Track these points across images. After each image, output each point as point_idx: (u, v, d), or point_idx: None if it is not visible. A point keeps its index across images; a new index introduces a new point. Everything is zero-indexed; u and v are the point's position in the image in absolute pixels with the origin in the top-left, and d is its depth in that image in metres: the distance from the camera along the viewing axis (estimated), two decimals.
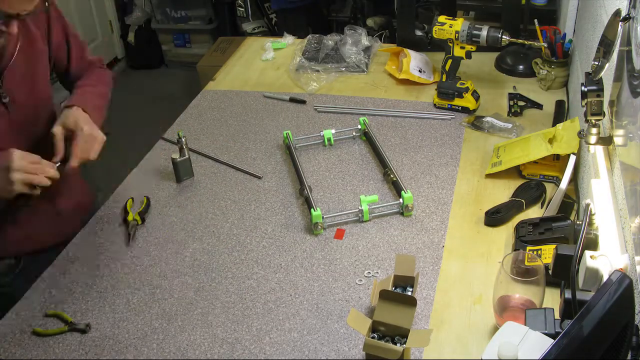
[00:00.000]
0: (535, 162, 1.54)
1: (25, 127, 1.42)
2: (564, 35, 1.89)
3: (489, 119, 1.79)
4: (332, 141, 1.76)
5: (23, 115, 1.41)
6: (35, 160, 1.30)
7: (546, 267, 1.13)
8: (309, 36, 2.33)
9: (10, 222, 1.46)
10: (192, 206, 1.57)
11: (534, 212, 1.46)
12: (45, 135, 1.41)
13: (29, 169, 1.28)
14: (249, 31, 4.05)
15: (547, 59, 1.90)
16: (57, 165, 1.35)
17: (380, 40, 2.31)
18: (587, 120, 1.19)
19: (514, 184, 1.54)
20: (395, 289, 1.24)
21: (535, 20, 1.92)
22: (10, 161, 1.26)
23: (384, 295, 1.14)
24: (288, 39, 2.37)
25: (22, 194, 1.29)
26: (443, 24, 1.82)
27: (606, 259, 0.99)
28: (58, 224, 1.54)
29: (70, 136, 1.38)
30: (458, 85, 1.84)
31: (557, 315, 1.01)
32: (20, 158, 1.27)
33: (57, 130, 1.38)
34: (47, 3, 1.28)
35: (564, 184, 1.40)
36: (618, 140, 1.17)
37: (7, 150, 1.28)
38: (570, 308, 0.96)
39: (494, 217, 1.43)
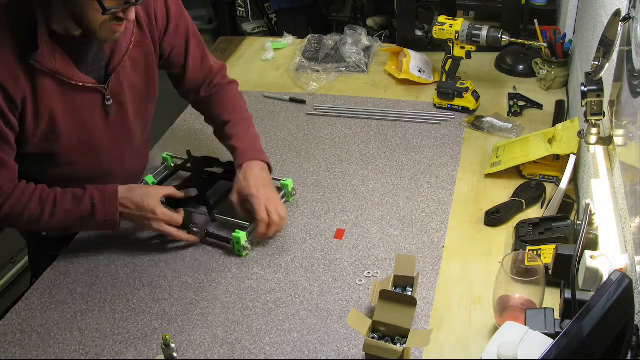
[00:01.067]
0: (535, 162, 1.54)
1: (122, 127, 1.42)
2: (564, 35, 1.89)
3: (489, 119, 1.79)
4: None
5: (122, 117, 1.41)
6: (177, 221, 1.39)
7: (546, 267, 1.13)
8: (309, 36, 2.33)
9: None
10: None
11: (534, 212, 1.46)
12: (140, 132, 1.49)
13: (167, 220, 1.37)
14: (249, 31, 4.05)
15: (547, 59, 1.90)
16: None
17: (380, 40, 2.31)
18: (587, 120, 1.19)
19: (514, 184, 1.54)
20: (395, 289, 1.24)
21: (535, 21, 1.92)
22: (153, 212, 1.35)
23: (384, 295, 1.14)
24: (288, 39, 2.36)
25: None
26: (443, 24, 1.82)
27: (606, 259, 0.99)
28: None
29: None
30: (458, 85, 1.84)
31: (557, 315, 1.02)
32: (162, 214, 1.36)
33: (235, 198, 1.43)
34: None
35: (564, 184, 1.40)
36: (618, 140, 1.17)
37: (147, 188, 1.39)
38: (570, 308, 0.96)
39: (494, 217, 1.43)
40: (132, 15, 1.21)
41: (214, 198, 1.51)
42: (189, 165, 1.64)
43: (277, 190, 1.48)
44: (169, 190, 1.43)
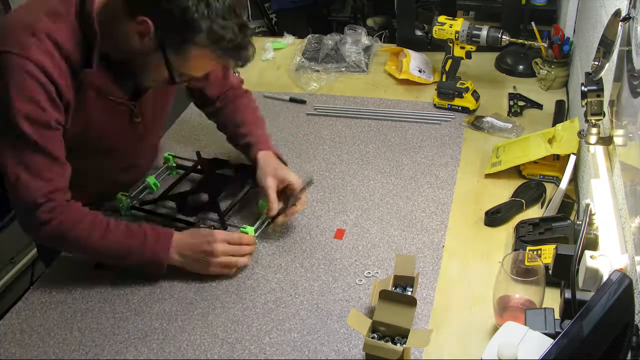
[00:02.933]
0: (535, 162, 1.54)
1: (144, 139, 1.50)
2: (567, 39, 1.89)
3: (489, 119, 1.79)
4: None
5: (147, 131, 1.47)
6: (236, 241, 1.34)
7: (546, 267, 1.13)
8: (309, 36, 2.33)
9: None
10: None
11: (534, 212, 1.46)
12: (156, 141, 1.62)
13: (231, 252, 1.33)
14: None
15: (548, 59, 1.89)
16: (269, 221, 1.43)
17: (380, 40, 2.31)
18: (587, 120, 1.19)
19: (514, 184, 1.54)
20: (395, 289, 1.24)
21: (532, 23, 1.92)
22: (213, 244, 1.31)
23: (384, 295, 1.14)
24: (288, 39, 2.37)
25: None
26: (443, 24, 1.82)
27: (606, 259, 0.99)
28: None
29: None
30: (458, 85, 1.84)
31: (557, 315, 1.02)
32: (223, 241, 1.32)
33: (271, 182, 1.43)
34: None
35: (564, 184, 1.40)
36: (618, 140, 1.17)
37: (209, 233, 1.33)
38: (570, 308, 0.96)
39: (494, 217, 1.43)
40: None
41: (224, 203, 1.51)
42: (199, 167, 1.63)
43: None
44: (230, 236, 1.36)
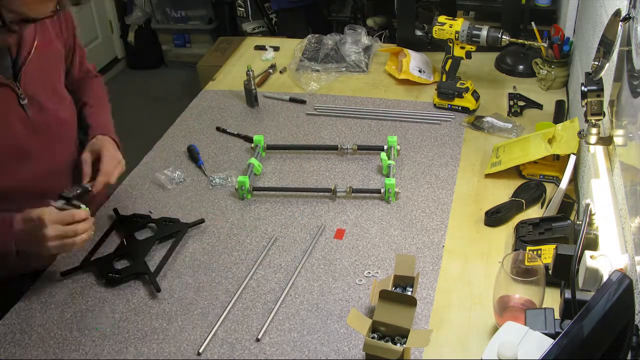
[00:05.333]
0: (535, 162, 1.54)
1: (47, 129, 1.39)
2: (567, 39, 1.89)
3: (489, 119, 1.79)
4: None
5: (43, 117, 1.37)
6: (68, 220, 1.24)
7: (546, 267, 1.13)
8: (309, 36, 2.33)
9: None
10: (192, 206, 1.57)
11: (534, 212, 1.46)
12: (68, 140, 1.47)
13: (63, 234, 1.23)
14: (249, 31, 4.05)
15: (548, 59, 1.89)
16: (89, 191, 1.36)
17: (380, 40, 2.31)
18: (587, 120, 1.19)
19: (514, 184, 1.54)
20: (395, 289, 1.24)
21: (533, 23, 1.92)
22: (43, 229, 1.20)
23: (384, 295, 1.14)
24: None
25: None
26: (443, 24, 1.82)
27: (606, 259, 0.99)
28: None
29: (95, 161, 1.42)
30: (458, 85, 1.84)
31: (557, 315, 1.01)
32: (53, 223, 1.21)
33: (87, 156, 1.42)
34: (59, 6, 1.23)
35: (564, 184, 1.40)
36: (618, 140, 1.17)
37: (38, 212, 1.22)
38: (570, 308, 0.96)
39: (494, 217, 1.43)
40: (27, 28, 1.23)
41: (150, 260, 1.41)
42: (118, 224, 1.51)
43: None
44: (62, 216, 1.24)
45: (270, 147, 1.75)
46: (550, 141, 1.56)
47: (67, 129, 1.48)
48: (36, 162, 1.37)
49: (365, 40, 2.22)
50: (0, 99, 1.28)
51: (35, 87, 1.35)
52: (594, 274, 0.99)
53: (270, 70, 2.16)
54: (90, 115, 1.56)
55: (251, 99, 1.96)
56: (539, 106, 1.85)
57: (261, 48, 2.35)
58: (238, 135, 1.82)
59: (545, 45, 1.84)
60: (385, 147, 1.69)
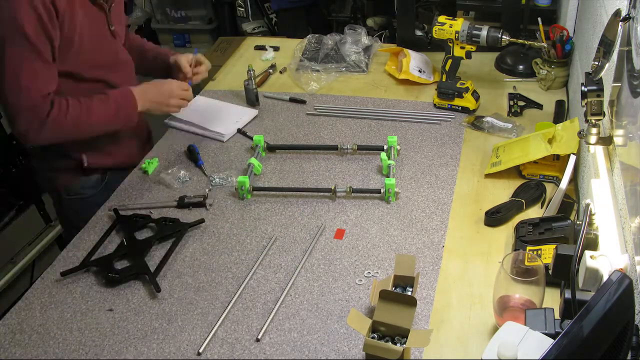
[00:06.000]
0: (535, 162, 1.54)
1: (125, 57, 1.74)
2: (570, 38, 1.89)
3: (489, 119, 1.79)
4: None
5: (121, 47, 1.73)
6: (185, 87, 1.71)
7: (546, 267, 1.13)
8: (309, 36, 2.33)
9: (114, 143, 1.72)
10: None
11: (534, 212, 1.46)
12: (130, 78, 1.78)
13: (183, 95, 1.70)
14: (249, 31, 4.05)
15: (549, 59, 1.89)
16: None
17: (380, 40, 2.31)
18: (587, 120, 1.19)
19: (514, 184, 1.54)
20: (395, 289, 1.24)
21: (539, 21, 1.92)
22: (171, 89, 1.69)
23: (384, 295, 1.14)
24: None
25: None
26: (443, 24, 1.82)
27: (606, 259, 0.99)
28: (139, 147, 1.83)
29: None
30: (458, 85, 1.84)
31: (557, 315, 1.01)
32: (178, 87, 1.70)
33: (185, 59, 1.79)
34: None
35: (564, 184, 1.40)
36: (618, 140, 1.17)
37: (165, 80, 1.72)
38: (570, 308, 0.96)
39: (494, 217, 1.43)
40: None
41: (151, 259, 1.41)
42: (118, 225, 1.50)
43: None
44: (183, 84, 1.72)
45: (270, 147, 1.75)
46: (550, 141, 1.56)
47: (130, 67, 1.78)
48: (106, 75, 1.66)
49: (365, 40, 2.22)
50: (99, 19, 1.61)
51: (116, 24, 1.66)
52: (594, 274, 0.99)
53: (270, 70, 2.16)
54: (156, 48, 1.92)
55: (252, 98, 1.96)
56: (539, 106, 1.85)
57: (261, 48, 2.35)
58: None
59: (546, 45, 1.84)
60: (385, 147, 1.69)
